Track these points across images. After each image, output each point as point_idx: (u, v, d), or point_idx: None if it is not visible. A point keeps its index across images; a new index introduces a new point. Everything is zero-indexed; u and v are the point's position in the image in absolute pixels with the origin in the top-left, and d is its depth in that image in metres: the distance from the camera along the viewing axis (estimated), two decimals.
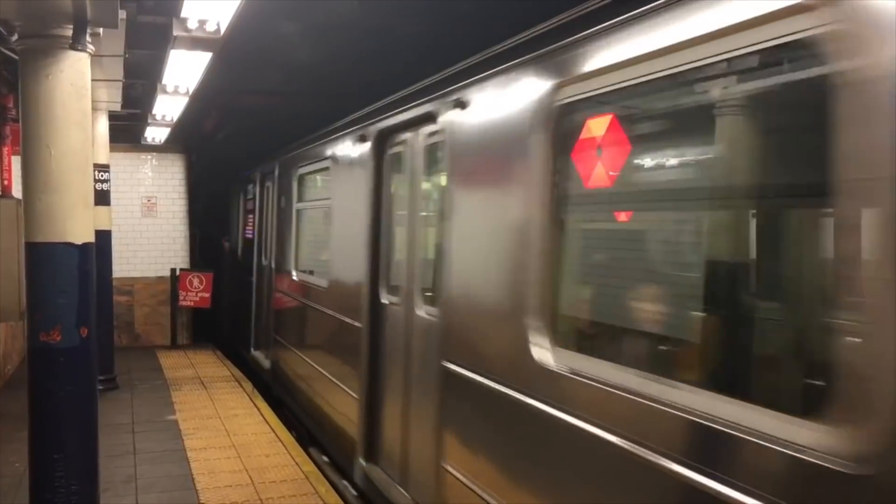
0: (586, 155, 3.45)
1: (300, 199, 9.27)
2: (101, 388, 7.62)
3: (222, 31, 5.35)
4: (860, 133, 2.08)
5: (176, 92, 7.90)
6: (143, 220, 13.19)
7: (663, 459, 2.70)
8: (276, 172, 10.15)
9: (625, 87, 3.09)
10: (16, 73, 4.45)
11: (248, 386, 10.21)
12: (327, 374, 7.32)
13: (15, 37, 4.37)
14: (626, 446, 2.88)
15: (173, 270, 13.17)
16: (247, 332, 11.93)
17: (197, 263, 13.87)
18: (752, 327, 3.18)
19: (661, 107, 3.32)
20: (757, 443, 2.32)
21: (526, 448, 3.66)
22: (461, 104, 4.49)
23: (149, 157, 13.26)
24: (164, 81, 7.43)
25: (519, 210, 3.77)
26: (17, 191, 7.76)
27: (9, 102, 8.27)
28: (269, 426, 8.19)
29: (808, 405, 2.45)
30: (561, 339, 3.51)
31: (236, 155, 13.86)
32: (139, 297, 13.21)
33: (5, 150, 8.64)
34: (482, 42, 4.39)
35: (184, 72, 6.95)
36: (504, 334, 3.85)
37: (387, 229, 6.09)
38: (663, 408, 2.71)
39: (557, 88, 3.50)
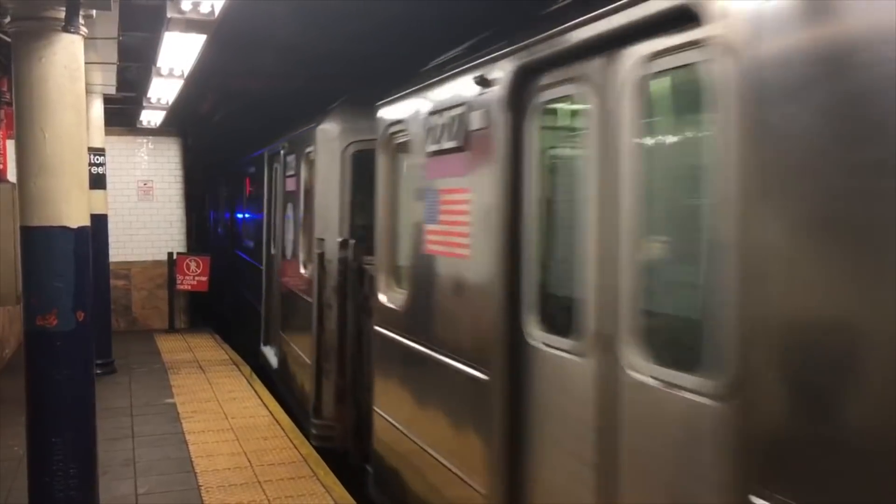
0: None
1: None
2: (98, 371, 7.60)
3: (216, 13, 5.31)
4: None
5: (171, 74, 7.85)
6: (139, 203, 13.14)
7: None
8: (283, 153, 9.24)
9: None
10: (9, 56, 4.42)
11: (246, 369, 10.22)
12: None
13: (7, 19, 4.34)
14: None
15: (170, 254, 13.14)
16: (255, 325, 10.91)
17: (194, 248, 13.83)
18: None
19: None
20: None
21: None
22: None
23: (144, 140, 13.19)
24: (158, 64, 7.37)
25: None
26: (12, 175, 7.74)
27: (2, 86, 8.21)
28: (268, 409, 8.21)
29: None
30: None
31: (233, 138, 13.78)
32: (136, 280, 13.19)
33: (0, 133, 8.59)
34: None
35: (178, 54, 6.90)
36: None
37: None
38: None
39: None
